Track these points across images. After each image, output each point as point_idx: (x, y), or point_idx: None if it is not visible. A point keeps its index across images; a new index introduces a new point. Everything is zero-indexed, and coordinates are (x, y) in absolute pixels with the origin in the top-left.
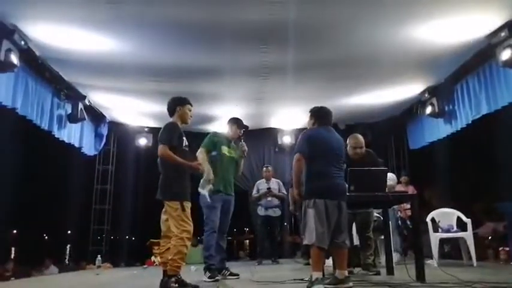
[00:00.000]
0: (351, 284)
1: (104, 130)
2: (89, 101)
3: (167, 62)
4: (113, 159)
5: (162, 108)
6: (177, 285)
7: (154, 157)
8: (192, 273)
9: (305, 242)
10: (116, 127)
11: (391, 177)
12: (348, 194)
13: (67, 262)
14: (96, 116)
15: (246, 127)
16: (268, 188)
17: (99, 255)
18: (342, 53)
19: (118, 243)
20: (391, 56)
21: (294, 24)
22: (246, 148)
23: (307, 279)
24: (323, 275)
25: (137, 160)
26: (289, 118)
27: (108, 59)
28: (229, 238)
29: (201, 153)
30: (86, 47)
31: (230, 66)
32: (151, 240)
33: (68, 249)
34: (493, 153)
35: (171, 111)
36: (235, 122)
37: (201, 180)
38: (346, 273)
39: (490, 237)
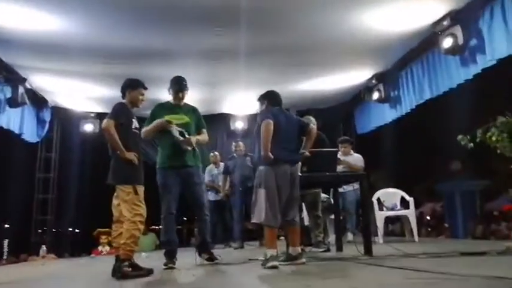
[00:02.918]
0: (303, 259)
1: (47, 115)
2: (30, 85)
3: (117, 43)
4: (56, 147)
5: (110, 92)
6: (130, 269)
7: (102, 143)
8: (144, 260)
9: (253, 221)
10: (59, 112)
11: (360, 158)
12: (299, 174)
13: (5, 257)
14: (37, 100)
15: (181, 87)
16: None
17: (43, 246)
18: (293, 39)
19: (62, 234)
20: (339, 42)
21: (246, 9)
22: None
23: (262, 258)
24: (277, 252)
25: (83, 147)
26: (241, 103)
27: (51, 39)
28: (179, 227)
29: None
30: (26, 26)
31: (183, 49)
32: (99, 229)
33: (5, 244)
34: (434, 138)
35: (123, 93)
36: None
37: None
38: (299, 249)
39: (429, 216)
